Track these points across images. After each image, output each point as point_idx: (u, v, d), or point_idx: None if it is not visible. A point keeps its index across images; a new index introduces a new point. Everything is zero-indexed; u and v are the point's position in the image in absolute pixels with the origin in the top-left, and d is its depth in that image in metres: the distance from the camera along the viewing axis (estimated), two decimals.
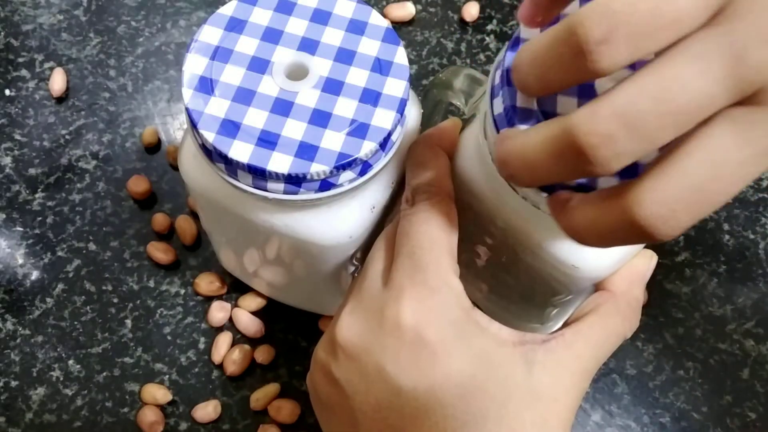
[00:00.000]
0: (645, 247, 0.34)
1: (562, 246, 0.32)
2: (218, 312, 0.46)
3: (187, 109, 0.31)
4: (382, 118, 0.32)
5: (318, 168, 0.30)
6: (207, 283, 0.46)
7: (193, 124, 0.31)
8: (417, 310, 0.29)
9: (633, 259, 0.33)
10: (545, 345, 0.30)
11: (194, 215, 0.48)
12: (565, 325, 0.31)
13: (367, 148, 0.31)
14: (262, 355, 0.45)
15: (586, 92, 0.28)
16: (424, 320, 0.29)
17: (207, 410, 0.43)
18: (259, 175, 0.31)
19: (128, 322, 0.46)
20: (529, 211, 0.31)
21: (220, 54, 0.32)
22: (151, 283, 0.47)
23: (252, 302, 0.46)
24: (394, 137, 0.32)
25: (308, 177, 0.31)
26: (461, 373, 0.28)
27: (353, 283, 0.34)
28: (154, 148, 0.50)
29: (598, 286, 0.34)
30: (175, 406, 0.44)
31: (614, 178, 0.26)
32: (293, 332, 0.46)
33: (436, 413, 0.28)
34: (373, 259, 0.33)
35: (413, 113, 0.36)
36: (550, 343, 0.30)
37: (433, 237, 0.30)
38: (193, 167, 0.35)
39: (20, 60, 0.53)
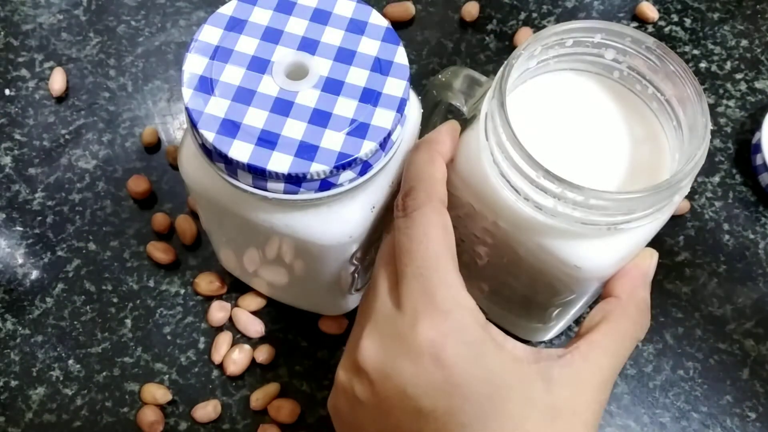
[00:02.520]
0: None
1: (563, 246, 0.32)
2: (218, 312, 0.46)
3: (187, 109, 0.31)
4: (382, 118, 0.31)
5: (318, 168, 0.30)
6: (207, 283, 0.46)
7: (193, 124, 0.31)
8: (434, 337, 0.29)
9: (635, 260, 0.33)
10: (561, 360, 0.30)
11: (194, 215, 0.48)
12: (578, 337, 0.31)
13: (367, 147, 0.31)
14: (262, 355, 0.45)
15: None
16: (441, 344, 0.29)
17: (207, 410, 0.43)
18: (259, 174, 0.31)
19: (128, 321, 0.46)
20: (530, 212, 0.31)
21: (220, 54, 0.32)
22: (151, 283, 0.47)
23: (252, 302, 0.46)
24: (394, 137, 0.32)
25: (308, 177, 0.31)
26: (479, 394, 0.29)
27: (364, 302, 0.34)
28: (154, 147, 0.50)
29: (603, 293, 0.34)
30: (175, 406, 0.44)
31: None
32: (293, 332, 0.46)
33: None
34: (378, 277, 0.33)
35: (413, 113, 0.36)
36: (566, 358, 0.30)
37: (436, 253, 0.30)
38: (193, 167, 0.35)
39: (20, 60, 0.53)
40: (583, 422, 0.29)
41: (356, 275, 0.40)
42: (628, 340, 0.31)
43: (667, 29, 0.55)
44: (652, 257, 0.34)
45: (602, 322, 0.31)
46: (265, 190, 0.31)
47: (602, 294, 0.34)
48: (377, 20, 0.34)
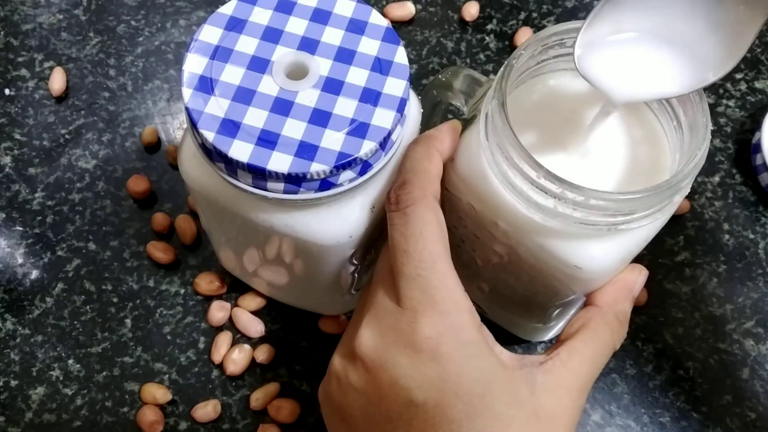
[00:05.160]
0: (633, 261, 0.34)
1: (564, 246, 0.32)
2: (218, 311, 0.46)
3: (186, 109, 0.31)
4: (382, 118, 0.31)
5: (318, 167, 0.30)
6: (207, 283, 0.46)
7: (193, 124, 0.31)
8: (432, 335, 0.30)
9: (621, 273, 0.34)
10: (543, 366, 0.31)
11: (194, 215, 0.48)
12: (559, 343, 0.32)
13: (367, 147, 0.31)
14: (262, 354, 0.45)
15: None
16: (437, 342, 0.30)
17: (207, 410, 0.43)
18: (259, 174, 0.31)
19: (128, 321, 0.46)
20: (530, 212, 0.31)
21: (220, 53, 0.32)
22: (151, 283, 0.47)
23: (252, 302, 0.46)
24: (394, 137, 0.32)
25: (308, 176, 0.31)
26: (471, 393, 0.30)
27: (364, 294, 0.35)
28: (153, 147, 0.50)
29: (585, 302, 0.34)
30: (175, 406, 0.44)
31: None
32: (293, 332, 0.46)
33: (443, 427, 0.29)
34: (380, 271, 0.33)
35: (413, 113, 0.36)
36: (547, 364, 0.31)
37: (433, 253, 0.31)
38: (193, 167, 0.35)
39: (20, 59, 0.53)
40: (563, 425, 0.30)
41: (356, 275, 0.40)
42: (606, 349, 0.33)
43: None
44: (640, 274, 0.35)
45: (582, 330, 0.32)
46: (265, 189, 0.31)
47: (585, 302, 0.35)
48: (377, 20, 0.34)
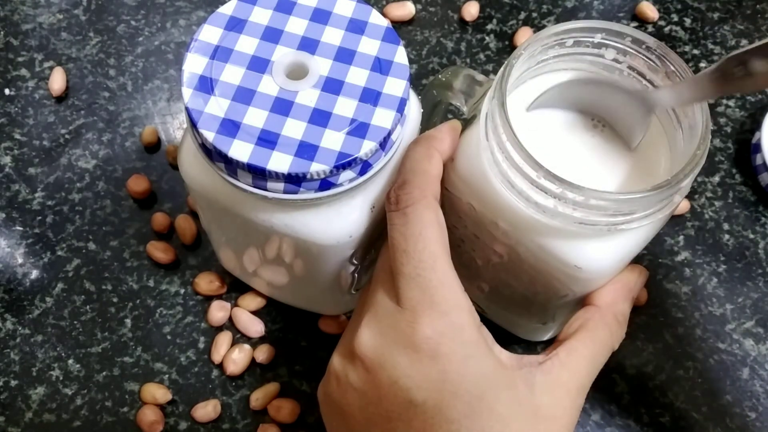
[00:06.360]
0: (633, 261, 0.34)
1: (563, 246, 0.32)
2: (218, 311, 0.46)
3: (186, 109, 0.31)
4: (382, 118, 0.31)
5: (318, 167, 0.30)
6: (207, 283, 0.46)
7: (193, 124, 0.31)
8: (431, 335, 0.30)
9: (621, 273, 0.34)
10: (542, 367, 0.31)
11: (194, 215, 0.48)
12: (557, 343, 0.32)
13: (367, 147, 0.31)
14: (262, 354, 0.45)
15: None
16: (437, 342, 0.30)
17: (207, 410, 0.43)
18: (258, 174, 0.31)
19: (128, 321, 0.46)
20: (530, 212, 0.31)
21: (220, 53, 0.32)
22: (151, 283, 0.47)
23: (252, 302, 0.46)
24: (394, 137, 0.32)
25: (308, 176, 0.31)
26: (470, 393, 0.30)
27: (364, 294, 0.35)
28: (153, 147, 0.50)
29: (584, 302, 0.34)
30: (175, 406, 0.44)
31: None
32: (293, 332, 0.46)
33: (442, 427, 0.29)
34: (380, 272, 0.33)
35: (413, 113, 0.36)
36: (546, 365, 0.31)
37: (433, 254, 0.31)
38: (192, 167, 0.35)
39: (20, 59, 0.53)
40: (562, 425, 0.30)
41: (356, 275, 0.40)
42: (604, 349, 0.33)
43: (667, 29, 0.55)
44: (641, 275, 0.35)
45: (580, 330, 0.33)
46: (265, 189, 0.31)
47: (583, 302, 0.35)
48: (377, 20, 0.34)
